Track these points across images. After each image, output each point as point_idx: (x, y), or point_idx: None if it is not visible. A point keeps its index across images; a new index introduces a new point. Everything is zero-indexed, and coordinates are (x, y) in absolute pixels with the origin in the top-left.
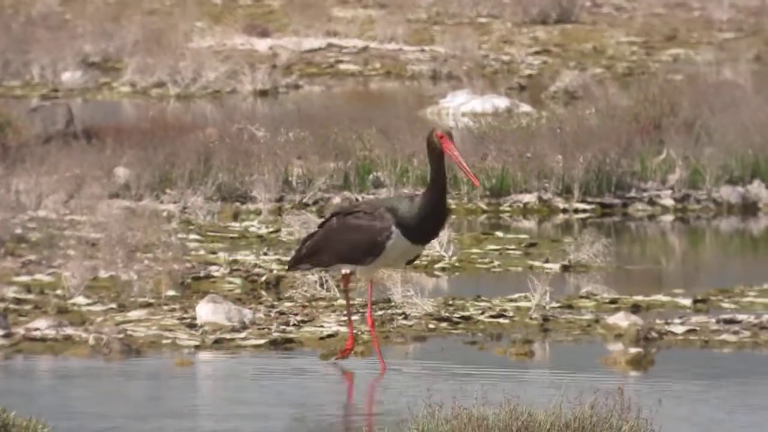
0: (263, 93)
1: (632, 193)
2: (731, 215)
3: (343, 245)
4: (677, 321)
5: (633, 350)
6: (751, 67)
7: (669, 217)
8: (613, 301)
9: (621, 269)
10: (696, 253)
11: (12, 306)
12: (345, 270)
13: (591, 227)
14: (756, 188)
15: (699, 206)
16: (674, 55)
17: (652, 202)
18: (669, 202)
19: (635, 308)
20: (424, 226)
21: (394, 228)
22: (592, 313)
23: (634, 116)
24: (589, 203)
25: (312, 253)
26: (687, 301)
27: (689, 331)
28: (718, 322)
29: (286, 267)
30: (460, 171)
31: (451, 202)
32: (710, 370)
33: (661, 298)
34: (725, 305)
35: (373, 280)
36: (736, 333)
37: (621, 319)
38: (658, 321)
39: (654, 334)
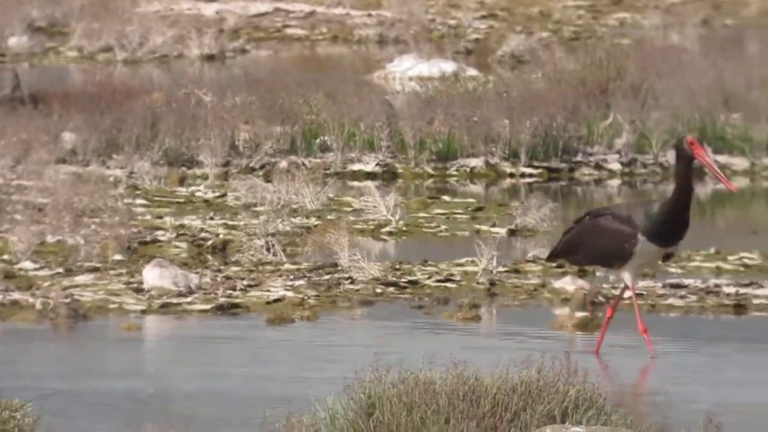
0: (210, 58)
1: (579, 158)
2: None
3: (592, 248)
4: (622, 285)
5: (579, 314)
6: (698, 31)
7: (616, 182)
8: (559, 266)
9: None
10: None
11: None
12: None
13: (538, 192)
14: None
15: (646, 170)
16: (621, 19)
17: (598, 166)
18: (616, 166)
19: (582, 273)
20: (666, 230)
21: (640, 235)
22: (538, 277)
23: (580, 80)
24: (536, 167)
25: (566, 251)
26: None
27: (636, 295)
28: (664, 286)
29: (545, 258)
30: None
31: (397, 167)
32: (657, 336)
33: None
34: (672, 270)
35: (634, 283)
36: (682, 297)
37: (567, 284)
38: (604, 285)
39: (600, 299)
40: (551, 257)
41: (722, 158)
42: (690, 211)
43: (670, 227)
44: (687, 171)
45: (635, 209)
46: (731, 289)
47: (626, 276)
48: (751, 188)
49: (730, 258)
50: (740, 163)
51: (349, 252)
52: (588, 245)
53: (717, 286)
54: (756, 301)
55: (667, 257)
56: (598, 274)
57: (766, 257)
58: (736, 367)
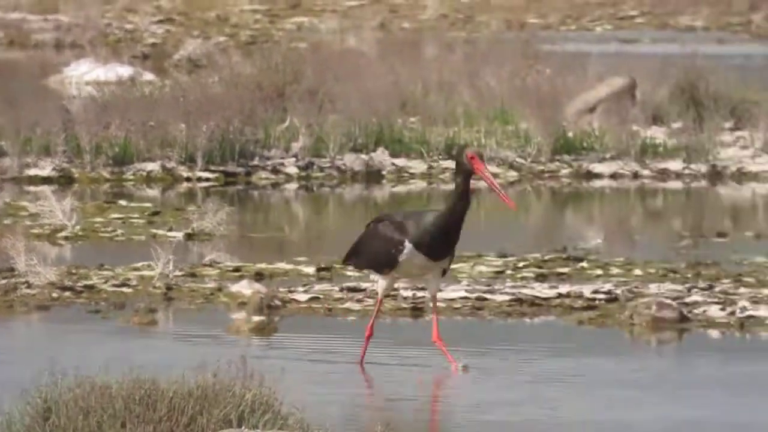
0: None
1: (256, 162)
2: (355, 183)
3: (366, 252)
4: (300, 289)
5: (256, 318)
6: (375, 35)
7: (293, 185)
8: (236, 269)
9: (244, 237)
10: (320, 221)
11: None
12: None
13: (214, 196)
14: (380, 156)
15: (323, 174)
16: (298, 23)
17: (276, 170)
18: (293, 170)
19: (259, 276)
20: (434, 241)
21: (407, 242)
22: (215, 281)
23: (257, 84)
24: (213, 172)
25: (351, 254)
26: (310, 269)
27: (313, 299)
28: (341, 290)
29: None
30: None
31: (74, 171)
32: (330, 340)
33: (284, 266)
34: (349, 273)
35: (385, 294)
36: (359, 301)
37: (244, 287)
38: (281, 289)
39: (277, 302)
40: (344, 261)
41: (400, 161)
42: (462, 225)
43: (439, 239)
44: (466, 185)
45: (411, 217)
46: (408, 293)
47: (381, 284)
48: (428, 191)
49: None
50: (418, 166)
51: (26, 257)
52: (364, 249)
53: (395, 290)
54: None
55: (443, 272)
56: (372, 277)
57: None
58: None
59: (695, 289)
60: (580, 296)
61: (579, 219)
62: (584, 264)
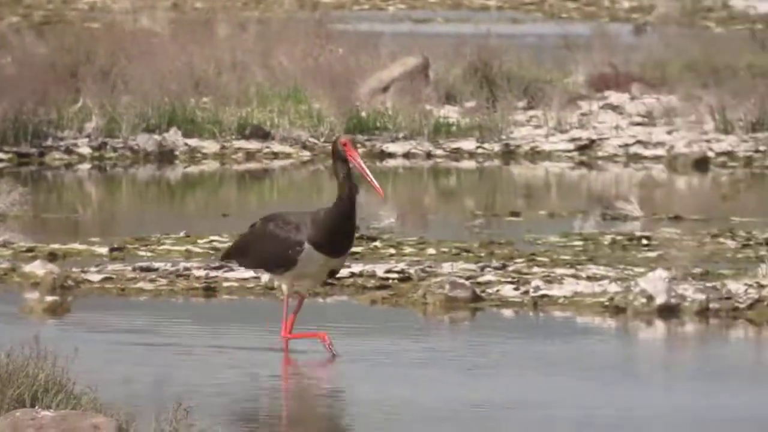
0: None
1: (49, 142)
2: (148, 163)
3: (258, 252)
4: (94, 269)
5: (49, 298)
6: (168, 15)
7: (86, 166)
8: (29, 250)
9: (38, 218)
10: (113, 201)
11: None
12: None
13: (8, 176)
14: (173, 136)
15: (116, 154)
16: (91, 3)
17: (69, 150)
18: (86, 150)
19: (52, 256)
20: (332, 238)
21: (306, 243)
22: (9, 261)
23: (50, 65)
24: (6, 152)
25: (236, 253)
26: (104, 249)
27: (106, 279)
28: (134, 269)
29: (220, 257)
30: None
31: None
32: (123, 320)
33: (77, 246)
34: (142, 253)
35: (290, 293)
36: (152, 281)
37: (37, 268)
38: (74, 269)
39: (70, 282)
40: (225, 257)
41: (193, 142)
42: (356, 216)
43: (336, 235)
44: (345, 172)
45: (304, 216)
46: (201, 273)
47: (284, 285)
48: (221, 171)
49: (200, 241)
50: (211, 146)
51: None
52: (255, 249)
53: (187, 269)
54: (225, 284)
55: (332, 274)
56: (264, 278)
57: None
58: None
59: (488, 269)
60: (373, 276)
61: (372, 199)
62: (377, 243)
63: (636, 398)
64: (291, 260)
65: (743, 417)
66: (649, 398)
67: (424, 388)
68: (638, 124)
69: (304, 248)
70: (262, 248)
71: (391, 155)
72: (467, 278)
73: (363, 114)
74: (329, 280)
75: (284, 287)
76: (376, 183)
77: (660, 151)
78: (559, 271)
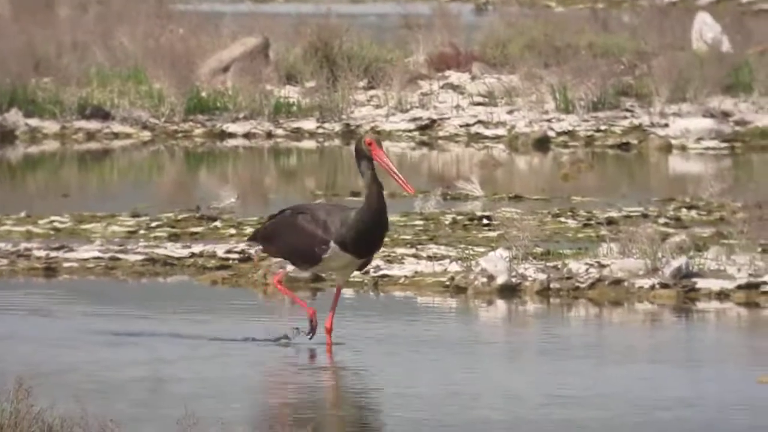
0: None
1: None
2: None
3: (285, 244)
4: None
5: None
6: None
7: None
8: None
9: None
10: None
11: None
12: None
13: None
14: (13, 116)
15: None
16: None
17: None
18: None
19: None
20: (361, 240)
21: (332, 243)
22: None
23: None
24: None
25: (263, 239)
26: None
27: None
28: None
29: (247, 238)
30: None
31: None
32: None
33: None
34: None
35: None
36: None
37: None
38: None
39: None
40: (251, 239)
41: (34, 122)
42: (387, 219)
43: (364, 238)
44: (371, 171)
45: (334, 214)
46: (42, 253)
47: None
48: (62, 151)
49: (41, 222)
50: (51, 126)
51: None
52: (281, 240)
53: (28, 249)
54: (66, 264)
55: (361, 266)
56: (288, 267)
57: (77, 220)
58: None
59: None
60: (213, 256)
61: (213, 179)
62: (218, 223)
63: (474, 377)
64: (316, 257)
65: (585, 395)
66: (488, 377)
67: (252, 366)
68: (479, 103)
69: (330, 247)
70: (288, 240)
71: (231, 135)
72: None
73: (203, 94)
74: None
75: (304, 275)
76: (405, 182)
77: (501, 131)
78: (400, 250)
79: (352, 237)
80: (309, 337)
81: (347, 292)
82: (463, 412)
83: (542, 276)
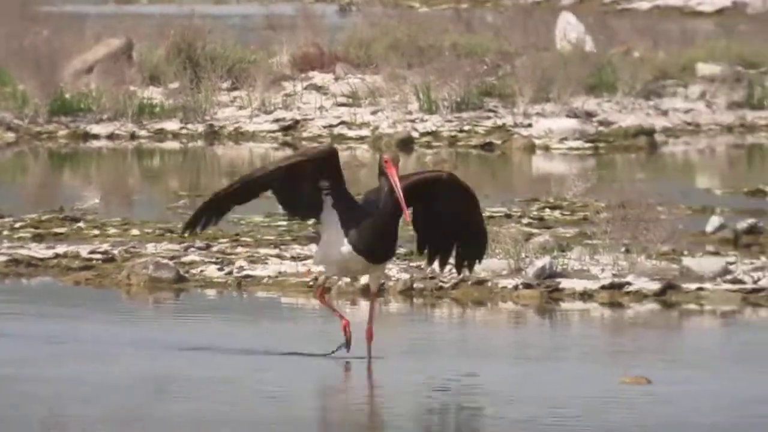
0: None
1: None
2: None
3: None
4: None
5: None
6: None
7: None
8: None
9: None
10: None
11: None
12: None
13: None
14: None
15: None
16: None
17: None
18: None
19: None
20: (372, 247)
21: (348, 244)
22: None
23: None
24: None
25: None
26: None
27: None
28: None
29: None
30: None
31: None
32: None
33: None
34: None
35: (326, 282)
36: None
37: None
38: None
39: None
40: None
41: None
42: (396, 231)
43: (374, 244)
44: (388, 187)
45: (354, 215)
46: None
47: (323, 274)
48: None
49: None
50: None
51: None
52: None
53: None
54: None
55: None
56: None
57: None
58: None
59: (192, 249)
60: (77, 256)
61: (76, 180)
62: (81, 224)
63: (337, 376)
64: (334, 258)
65: (454, 391)
66: (351, 376)
67: (115, 364)
68: (343, 104)
69: (344, 247)
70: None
71: (95, 136)
72: (171, 258)
73: (67, 95)
74: None
75: (323, 276)
76: (403, 203)
77: (365, 132)
78: (263, 251)
79: (362, 242)
80: (346, 350)
81: (211, 293)
82: (336, 411)
83: (405, 276)
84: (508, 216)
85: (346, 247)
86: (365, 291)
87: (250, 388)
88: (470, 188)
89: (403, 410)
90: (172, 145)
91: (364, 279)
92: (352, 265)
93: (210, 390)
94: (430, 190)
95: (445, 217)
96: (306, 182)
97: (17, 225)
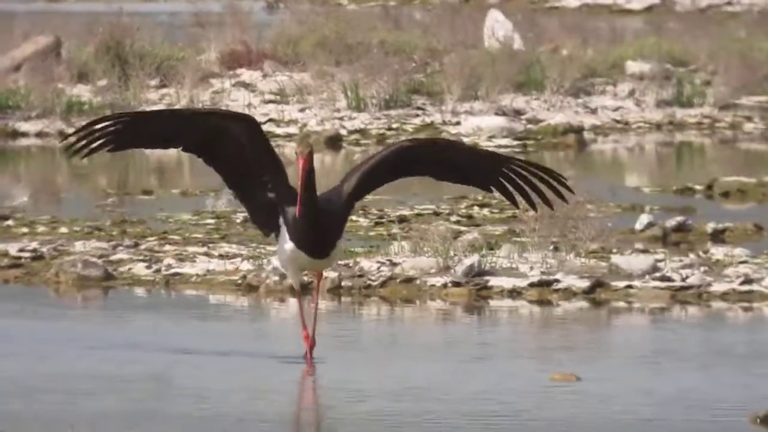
0: None
1: None
2: None
3: None
4: None
5: None
6: None
7: None
8: None
9: None
10: None
11: None
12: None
13: None
14: None
15: None
16: None
17: None
18: None
19: None
20: (304, 241)
21: (289, 240)
22: None
23: None
24: None
25: None
26: None
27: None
28: None
29: None
30: None
31: None
32: None
33: None
34: None
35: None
36: None
37: None
38: None
39: None
40: None
41: None
42: (323, 226)
43: (304, 239)
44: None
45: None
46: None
47: (290, 276)
48: None
49: None
50: None
51: None
52: None
53: None
54: None
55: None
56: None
57: None
58: None
59: (121, 247)
60: (6, 255)
61: (4, 178)
62: (10, 222)
63: (270, 375)
64: (283, 254)
65: (378, 389)
66: (281, 374)
67: (48, 364)
68: (271, 101)
69: (288, 244)
70: None
71: (24, 134)
72: (99, 257)
73: None
74: None
75: (292, 281)
76: (301, 200)
77: (293, 129)
78: (192, 249)
79: (296, 236)
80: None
81: (139, 291)
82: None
83: (333, 274)
84: (437, 214)
85: (289, 244)
86: (293, 289)
87: (176, 385)
88: (435, 139)
89: (332, 409)
90: None
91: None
92: (301, 260)
93: (136, 387)
94: (404, 160)
95: (445, 168)
96: (237, 158)
97: None
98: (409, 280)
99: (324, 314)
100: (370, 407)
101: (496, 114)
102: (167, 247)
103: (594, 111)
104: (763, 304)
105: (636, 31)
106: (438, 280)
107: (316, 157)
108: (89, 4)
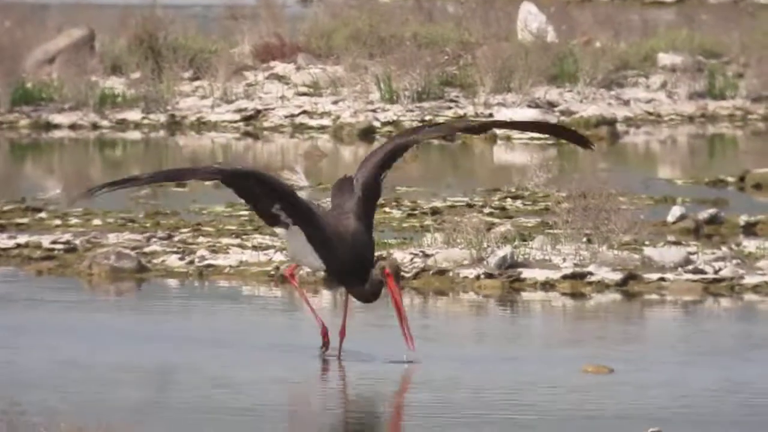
0: None
1: None
2: None
3: None
4: None
5: None
6: None
7: None
8: None
9: None
10: None
11: None
12: None
13: None
14: None
15: None
16: None
17: None
18: None
19: None
20: (345, 278)
21: (321, 264)
22: None
23: None
24: None
25: None
26: None
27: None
28: None
29: None
30: None
31: None
32: None
33: None
34: None
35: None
36: None
37: None
38: None
39: None
40: None
41: None
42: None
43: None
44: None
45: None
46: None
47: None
48: None
49: None
50: None
51: None
52: None
53: None
54: None
55: None
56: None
57: None
58: None
59: (154, 239)
60: (39, 246)
61: (38, 170)
62: (43, 215)
63: (304, 366)
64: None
65: (418, 379)
66: (315, 365)
67: (82, 354)
68: (304, 94)
69: (318, 263)
70: None
71: (57, 126)
72: (133, 248)
73: (29, 85)
74: None
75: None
76: (410, 336)
77: (326, 121)
78: (225, 240)
79: (337, 273)
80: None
81: (172, 283)
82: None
83: None
84: (470, 206)
85: (320, 263)
86: (326, 280)
87: (211, 376)
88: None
89: (365, 398)
90: (133, 135)
91: None
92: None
93: (170, 378)
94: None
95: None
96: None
97: None
98: (441, 271)
99: (356, 306)
100: (402, 398)
101: (529, 106)
102: (200, 239)
103: (626, 103)
104: None
105: (668, 23)
106: (471, 272)
107: (351, 149)
108: None
